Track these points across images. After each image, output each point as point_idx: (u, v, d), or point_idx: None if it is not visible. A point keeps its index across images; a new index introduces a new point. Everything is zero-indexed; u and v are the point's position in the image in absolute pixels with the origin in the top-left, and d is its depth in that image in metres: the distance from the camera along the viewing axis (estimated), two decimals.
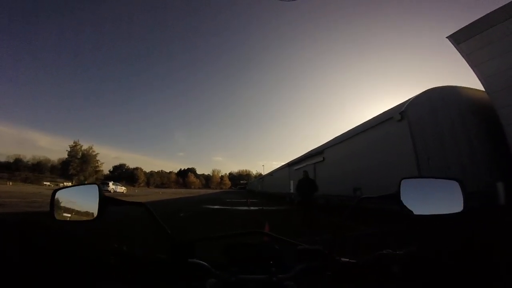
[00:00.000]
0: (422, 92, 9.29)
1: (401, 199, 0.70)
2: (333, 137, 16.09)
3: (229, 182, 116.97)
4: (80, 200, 0.77)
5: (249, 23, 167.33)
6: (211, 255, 0.73)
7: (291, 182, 23.43)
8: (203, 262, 0.67)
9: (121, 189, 34.13)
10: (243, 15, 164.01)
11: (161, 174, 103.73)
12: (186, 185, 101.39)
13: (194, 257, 0.69)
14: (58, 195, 0.77)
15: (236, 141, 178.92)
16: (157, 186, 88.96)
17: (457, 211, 0.71)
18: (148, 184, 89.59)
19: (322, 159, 15.02)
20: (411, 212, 0.70)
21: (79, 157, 52.14)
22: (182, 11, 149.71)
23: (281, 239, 0.77)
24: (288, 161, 25.66)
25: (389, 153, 9.20)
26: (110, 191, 30.71)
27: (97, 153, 55.62)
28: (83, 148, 53.56)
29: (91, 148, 54.65)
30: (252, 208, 13.66)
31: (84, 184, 0.85)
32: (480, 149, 8.68)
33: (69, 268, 0.81)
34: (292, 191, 22.94)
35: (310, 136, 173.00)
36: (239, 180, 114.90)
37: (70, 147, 52.33)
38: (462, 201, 0.72)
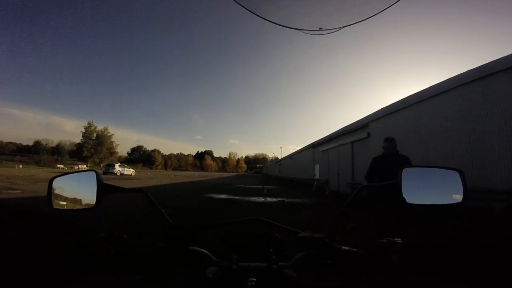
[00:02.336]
0: None
1: (402, 188, 0.69)
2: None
3: (245, 166, 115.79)
4: (78, 188, 0.75)
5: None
6: (211, 243, 0.71)
7: (316, 166, 19.74)
8: (204, 250, 0.67)
9: (128, 171, 32.18)
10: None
11: (179, 156, 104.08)
12: (202, 167, 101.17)
13: (194, 245, 0.68)
14: (56, 182, 0.74)
15: (252, 124, 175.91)
16: (174, 169, 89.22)
17: (456, 202, 0.71)
18: (165, 167, 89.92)
19: (366, 135, 11.05)
20: (411, 201, 0.68)
21: (93, 138, 51.15)
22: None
23: (282, 227, 0.76)
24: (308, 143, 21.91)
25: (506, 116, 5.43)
26: (116, 174, 29.08)
27: (112, 134, 54.25)
28: (97, 129, 52.50)
29: (106, 129, 53.26)
30: (269, 199, 10.22)
31: (81, 171, 0.80)
32: None
33: (67, 261, 0.63)
34: (317, 176, 19.46)
35: (329, 121, 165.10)
36: (255, 163, 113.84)
37: (85, 128, 51.35)
38: (462, 192, 0.71)
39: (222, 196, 11.12)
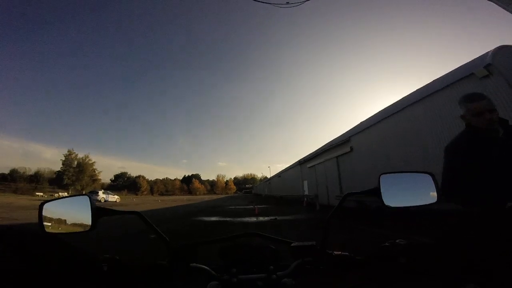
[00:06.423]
0: (496, 49, 6.40)
1: (381, 193, 0.73)
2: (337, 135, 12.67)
3: (235, 187, 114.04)
4: (70, 212, 0.74)
5: (247, 25, 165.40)
6: (209, 259, 0.72)
7: (305, 182, 19.95)
8: (204, 266, 0.67)
9: (113, 198, 31.12)
10: (242, 18, 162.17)
11: (165, 181, 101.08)
12: (190, 191, 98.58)
13: (194, 261, 0.69)
14: (47, 207, 0.74)
15: (240, 146, 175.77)
16: (161, 194, 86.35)
17: (431, 202, 0.75)
18: (152, 192, 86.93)
19: (349, 149, 11.55)
20: (390, 205, 0.72)
21: (74, 166, 49.47)
22: (182, 15, 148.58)
23: (276, 238, 0.79)
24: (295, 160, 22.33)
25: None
26: (100, 201, 27.87)
27: (94, 162, 52.94)
28: (78, 157, 50.91)
29: (87, 157, 51.98)
30: (261, 218, 10.19)
31: (73, 195, 0.81)
32: None
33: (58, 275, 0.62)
34: (307, 192, 19.58)
35: (315, 136, 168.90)
36: (245, 184, 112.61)
37: (65, 156, 49.72)
38: (435, 192, 0.76)
39: (213, 218, 10.94)
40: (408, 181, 0.81)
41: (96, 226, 0.69)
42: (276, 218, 9.85)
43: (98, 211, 0.70)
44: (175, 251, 0.69)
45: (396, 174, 0.79)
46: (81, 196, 0.75)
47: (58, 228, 0.72)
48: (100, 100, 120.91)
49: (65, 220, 0.73)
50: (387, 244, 0.67)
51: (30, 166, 65.60)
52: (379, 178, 0.74)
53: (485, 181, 1.41)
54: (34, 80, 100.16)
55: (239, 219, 10.42)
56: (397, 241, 0.68)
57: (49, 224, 0.72)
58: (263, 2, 5.79)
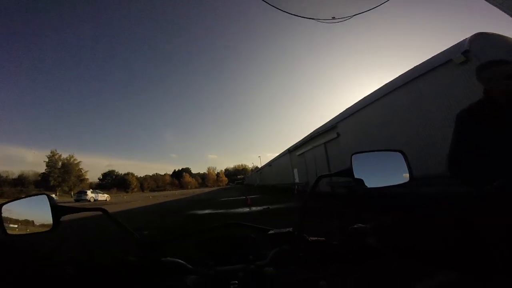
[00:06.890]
0: (473, 36, 6.55)
1: (354, 173, 0.71)
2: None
3: (226, 179, 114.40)
4: (31, 212, 0.72)
5: (230, 16, 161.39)
6: (187, 253, 0.70)
7: (295, 170, 20.31)
8: (178, 260, 0.65)
9: (103, 197, 30.63)
10: (224, 9, 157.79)
11: (155, 177, 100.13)
12: (182, 185, 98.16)
13: (167, 256, 0.66)
14: (6, 208, 0.72)
15: (229, 137, 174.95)
16: (152, 190, 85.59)
17: (404, 181, 0.74)
18: (142, 189, 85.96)
19: (335, 135, 11.81)
20: (365, 185, 0.71)
21: (58, 167, 48.19)
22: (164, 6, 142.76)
23: (255, 227, 0.77)
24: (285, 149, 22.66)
25: (454, 108, 6.24)
26: (89, 200, 27.37)
27: (80, 161, 51.74)
28: (62, 157, 49.58)
29: (72, 156, 50.87)
30: (254, 208, 10.40)
31: (31, 195, 0.77)
32: None
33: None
34: (297, 180, 20.00)
35: (304, 123, 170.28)
36: (236, 175, 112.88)
37: (48, 158, 48.29)
38: (407, 171, 0.75)
39: (206, 211, 11.06)
40: (381, 160, 0.80)
41: (58, 225, 0.68)
42: (268, 207, 10.09)
43: (59, 209, 0.68)
44: (146, 246, 0.67)
45: (368, 153, 0.78)
46: (39, 196, 0.73)
47: (22, 229, 0.71)
48: (79, 99, 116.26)
49: (26, 221, 0.72)
50: (355, 226, 0.69)
51: (12, 170, 63.33)
52: (351, 158, 0.73)
53: (497, 159, 1.24)
54: (10, 81, 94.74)
55: (232, 210, 10.59)
56: (366, 225, 0.69)
57: (11, 226, 0.70)
58: (308, 18, 5.73)
